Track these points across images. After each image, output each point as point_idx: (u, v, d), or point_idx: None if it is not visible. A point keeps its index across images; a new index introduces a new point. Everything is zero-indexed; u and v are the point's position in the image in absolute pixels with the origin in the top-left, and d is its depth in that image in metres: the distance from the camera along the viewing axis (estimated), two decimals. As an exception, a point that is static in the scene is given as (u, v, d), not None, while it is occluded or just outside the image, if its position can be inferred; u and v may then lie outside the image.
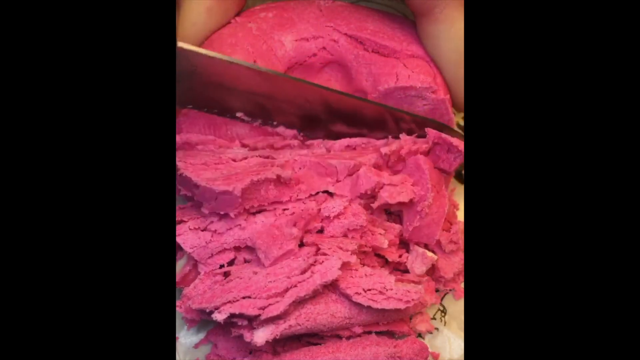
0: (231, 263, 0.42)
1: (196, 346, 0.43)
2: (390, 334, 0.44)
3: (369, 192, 0.42)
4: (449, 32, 0.44)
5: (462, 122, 0.57)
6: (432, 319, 0.46)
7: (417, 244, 0.45)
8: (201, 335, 0.44)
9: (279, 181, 0.40)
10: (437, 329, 0.46)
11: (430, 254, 0.44)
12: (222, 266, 0.41)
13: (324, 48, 0.46)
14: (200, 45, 0.45)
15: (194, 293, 0.40)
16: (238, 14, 0.47)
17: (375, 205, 0.43)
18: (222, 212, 0.41)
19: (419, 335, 0.45)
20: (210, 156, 0.41)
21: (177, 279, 0.43)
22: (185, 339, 0.44)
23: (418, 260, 0.44)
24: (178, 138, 0.46)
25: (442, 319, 0.46)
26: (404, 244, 0.46)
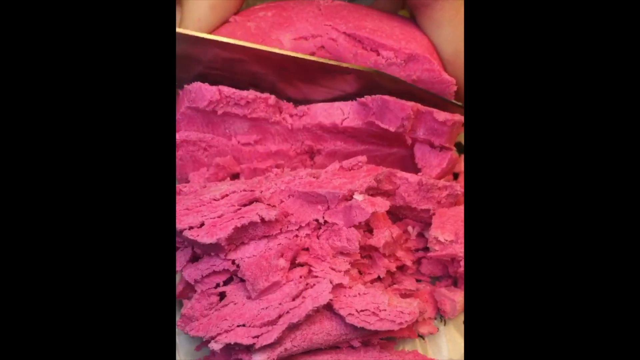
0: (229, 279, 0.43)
1: (197, 348, 0.43)
2: (391, 338, 0.44)
3: (363, 223, 0.41)
4: (455, 19, 0.44)
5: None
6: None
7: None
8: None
9: (264, 220, 0.40)
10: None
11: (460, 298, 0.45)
12: (217, 285, 0.42)
13: (323, 47, 0.46)
14: None
15: (191, 313, 0.41)
16: (236, 13, 0.47)
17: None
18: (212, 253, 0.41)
19: (421, 336, 0.45)
20: (191, 200, 0.41)
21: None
22: (186, 341, 0.44)
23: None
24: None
25: (442, 319, 0.47)
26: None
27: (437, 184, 0.44)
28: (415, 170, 0.47)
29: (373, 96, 0.44)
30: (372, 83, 0.45)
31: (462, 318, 0.47)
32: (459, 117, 0.45)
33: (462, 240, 0.43)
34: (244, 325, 0.39)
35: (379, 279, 0.44)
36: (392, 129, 0.44)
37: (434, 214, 0.45)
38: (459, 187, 0.45)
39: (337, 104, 0.46)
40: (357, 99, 0.45)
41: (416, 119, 0.45)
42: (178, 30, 0.41)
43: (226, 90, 0.44)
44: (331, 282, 0.40)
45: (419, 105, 0.44)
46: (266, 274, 0.40)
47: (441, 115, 0.44)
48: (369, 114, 0.45)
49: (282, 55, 0.43)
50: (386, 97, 0.44)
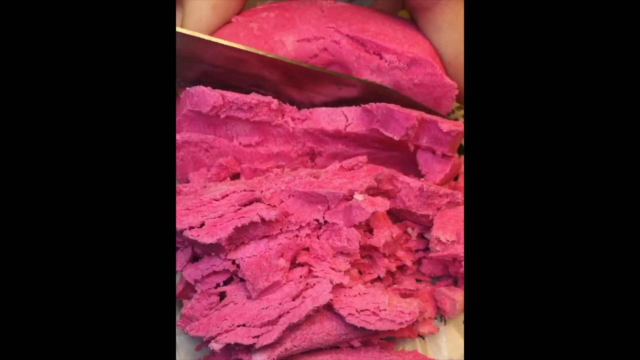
0: (229, 279, 0.43)
1: (197, 348, 0.43)
2: (391, 338, 0.44)
3: (363, 223, 0.41)
4: (455, 22, 0.44)
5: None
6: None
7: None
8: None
9: (265, 220, 0.40)
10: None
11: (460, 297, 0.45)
12: (217, 285, 0.42)
13: (325, 49, 0.46)
14: None
15: (191, 313, 0.41)
16: (239, 13, 0.47)
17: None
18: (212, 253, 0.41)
19: (421, 336, 0.46)
20: (191, 200, 0.41)
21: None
22: (186, 341, 0.44)
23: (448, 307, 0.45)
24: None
25: (442, 319, 0.47)
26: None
27: (439, 191, 0.44)
28: (416, 172, 0.47)
29: (378, 104, 0.44)
30: (375, 92, 0.45)
31: (462, 318, 0.47)
32: (463, 127, 0.45)
33: (463, 240, 0.43)
34: (244, 325, 0.39)
35: (379, 279, 0.45)
36: (396, 138, 0.44)
37: (432, 219, 0.45)
38: (460, 195, 0.45)
39: (340, 109, 0.46)
40: (361, 104, 0.45)
41: (420, 128, 0.44)
42: (187, 32, 0.41)
43: (229, 95, 0.44)
44: (331, 282, 0.40)
45: (424, 114, 0.44)
46: (266, 274, 0.40)
47: (446, 126, 0.44)
48: (373, 121, 0.45)
49: (286, 62, 0.43)
50: (391, 105, 0.43)
